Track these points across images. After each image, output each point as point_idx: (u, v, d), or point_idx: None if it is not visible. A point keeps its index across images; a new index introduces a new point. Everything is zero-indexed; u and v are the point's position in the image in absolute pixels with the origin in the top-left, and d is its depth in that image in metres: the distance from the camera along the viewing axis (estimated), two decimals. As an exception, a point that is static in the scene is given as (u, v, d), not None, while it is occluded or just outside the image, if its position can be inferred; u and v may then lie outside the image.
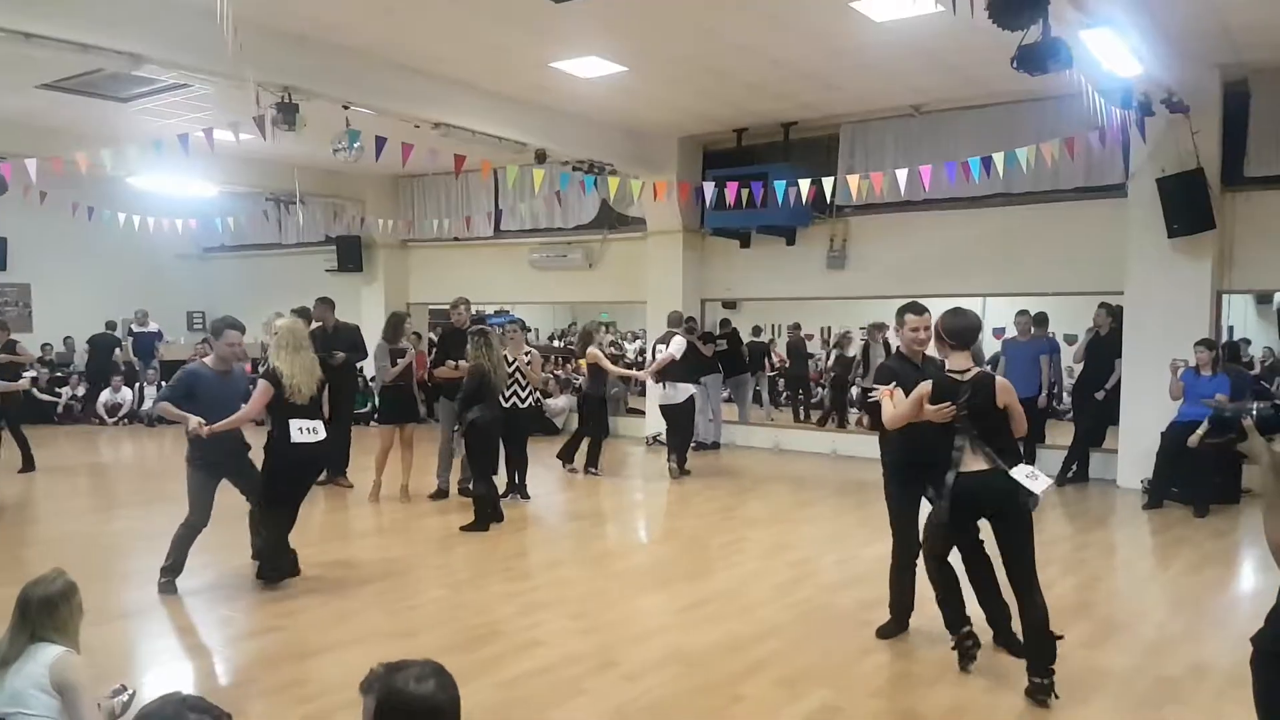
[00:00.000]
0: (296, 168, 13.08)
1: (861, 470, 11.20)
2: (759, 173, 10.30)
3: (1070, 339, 12.09)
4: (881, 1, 7.47)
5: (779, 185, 9.17)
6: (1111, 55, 7.02)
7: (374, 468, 9.08)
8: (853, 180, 8.98)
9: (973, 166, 8.34)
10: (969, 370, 4.40)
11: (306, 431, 5.88)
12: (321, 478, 9.45)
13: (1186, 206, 9.19)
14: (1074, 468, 10.28)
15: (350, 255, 16.22)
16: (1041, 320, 10.79)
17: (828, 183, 8.89)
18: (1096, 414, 10.24)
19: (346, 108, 9.02)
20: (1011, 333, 11.29)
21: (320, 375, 6.12)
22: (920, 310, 4.89)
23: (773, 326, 17.01)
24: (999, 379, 4.47)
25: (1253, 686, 2.68)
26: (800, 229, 12.21)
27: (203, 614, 5.63)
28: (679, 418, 10.58)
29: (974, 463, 4.32)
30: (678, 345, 10.37)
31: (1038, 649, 4.19)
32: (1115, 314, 10.06)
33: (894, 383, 4.69)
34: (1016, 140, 8.97)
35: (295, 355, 5.94)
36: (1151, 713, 4.09)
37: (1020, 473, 4.26)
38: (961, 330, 4.42)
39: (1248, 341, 14.06)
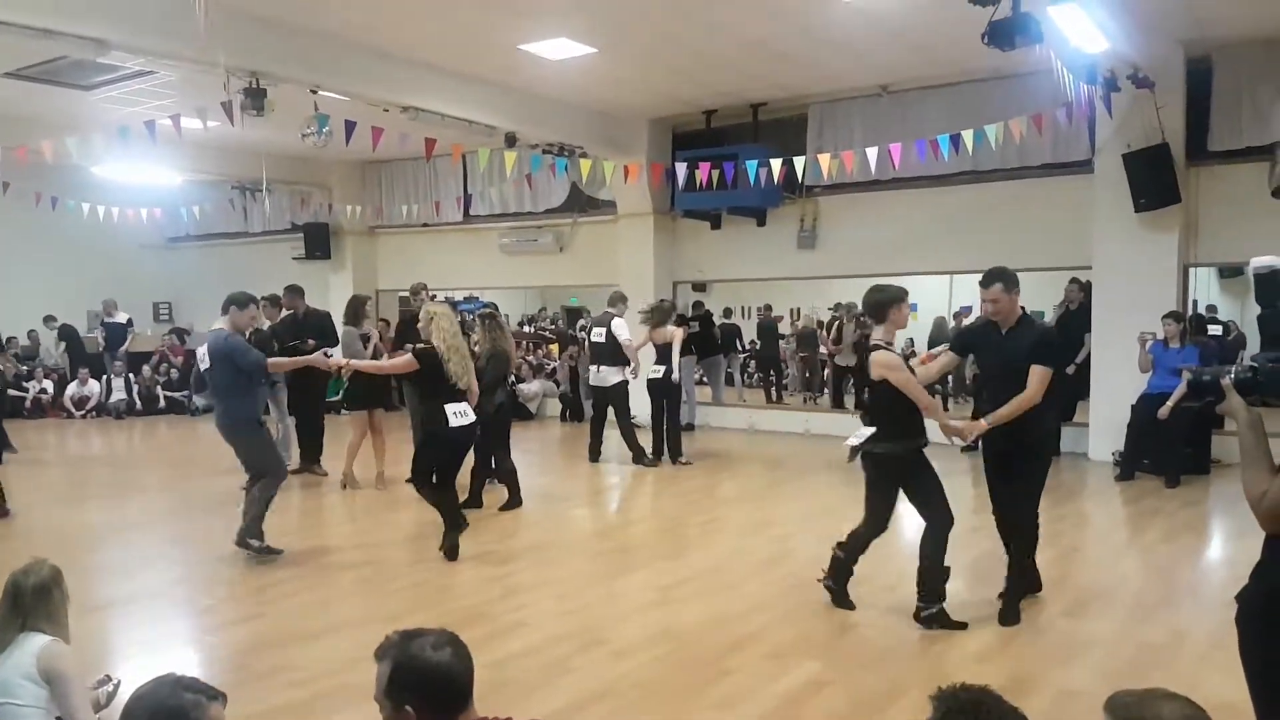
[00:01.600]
0: (264, 154, 12.91)
1: (834, 449, 11.30)
2: (729, 153, 10.32)
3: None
4: (852, -21, 7.49)
5: (750, 165, 9.18)
6: (1078, 31, 7.08)
7: (345, 456, 9.01)
8: (824, 159, 9.02)
9: (942, 144, 8.40)
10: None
11: (460, 415, 6.20)
12: (294, 465, 9.44)
13: (1152, 181, 9.32)
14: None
15: (318, 243, 16.03)
16: (1012, 295, 10.88)
17: (799, 162, 8.92)
18: (1067, 388, 10.37)
19: (315, 92, 8.91)
20: (978, 309, 11.37)
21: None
22: (988, 282, 5.04)
23: (743, 308, 17.06)
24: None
25: (1239, 643, 2.74)
26: (770, 209, 12.24)
27: (183, 604, 5.58)
28: (615, 401, 10.13)
29: None
30: (619, 326, 9.89)
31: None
32: (1085, 288, 10.20)
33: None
34: (984, 118, 9.04)
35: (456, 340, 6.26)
36: (1135, 678, 4.15)
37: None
38: (872, 305, 4.94)
39: (1213, 307, 14.31)
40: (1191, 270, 10.12)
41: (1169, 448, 8.70)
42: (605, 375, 10.01)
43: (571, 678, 4.22)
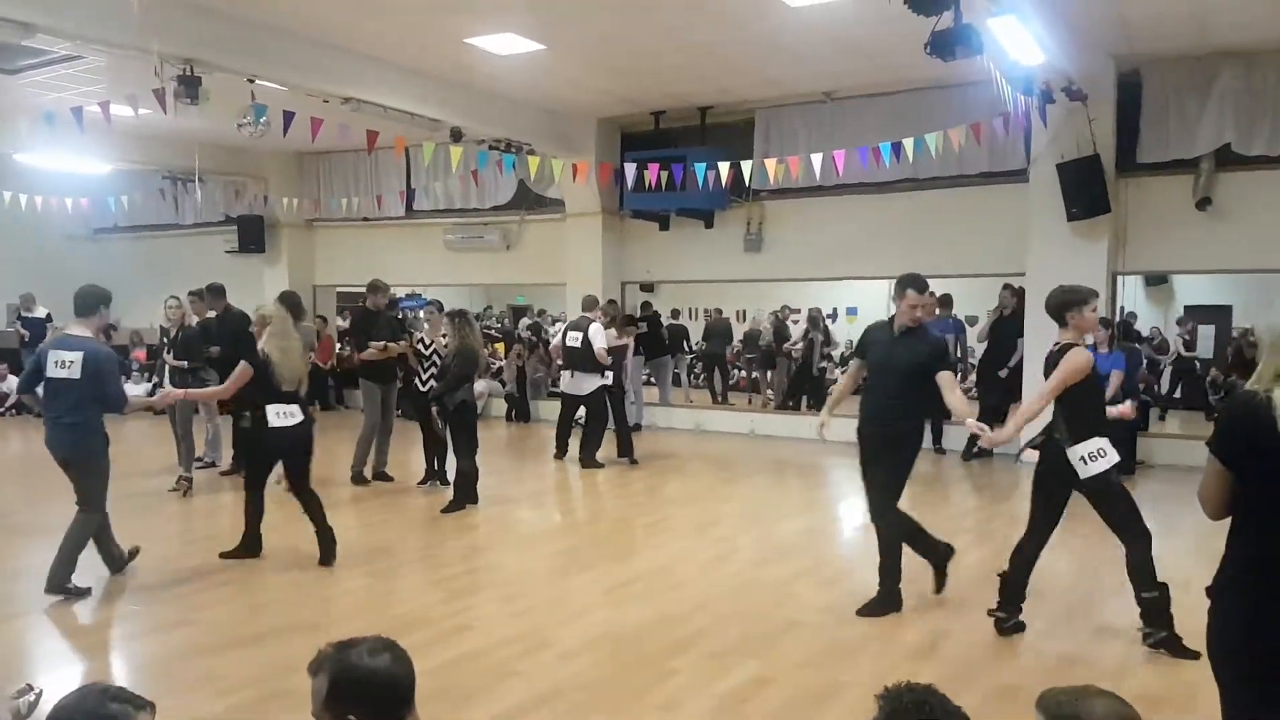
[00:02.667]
0: (197, 144, 12.59)
1: (779, 449, 11.47)
2: (678, 155, 10.37)
3: (971, 320, 12.53)
4: (798, -14, 7.57)
5: (699, 168, 9.23)
6: (1016, 43, 7.24)
7: None
8: (770, 164, 9.11)
9: (883, 152, 8.55)
10: None
11: (284, 415, 6.07)
12: (224, 468, 9.24)
13: (1084, 191, 9.60)
14: (978, 444, 10.66)
15: (252, 236, 15.64)
16: (947, 301, 11.18)
17: (746, 166, 8.99)
18: (1000, 391, 10.64)
19: (252, 81, 8.70)
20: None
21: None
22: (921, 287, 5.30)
23: (691, 310, 17.14)
24: None
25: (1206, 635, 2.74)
26: (718, 212, 12.34)
27: (107, 610, 5.41)
28: (592, 407, 10.07)
29: None
30: (596, 332, 9.74)
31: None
32: (1018, 294, 10.46)
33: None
34: (924, 126, 9.22)
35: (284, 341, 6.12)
36: (1066, 674, 4.28)
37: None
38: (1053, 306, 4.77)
39: (1133, 315, 14.77)
40: (1120, 278, 10.44)
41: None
42: (580, 383, 9.89)
43: (515, 681, 4.20)
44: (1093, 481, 4.50)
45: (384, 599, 5.56)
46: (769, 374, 15.10)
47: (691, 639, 4.76)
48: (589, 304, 10.26)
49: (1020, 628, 4.84)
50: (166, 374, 8.61)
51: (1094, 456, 4.47)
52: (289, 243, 15.90)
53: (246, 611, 5.29)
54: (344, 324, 10.81)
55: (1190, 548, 6.68)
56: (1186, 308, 16.54)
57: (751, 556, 6.50)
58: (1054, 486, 4.69)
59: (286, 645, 4.57)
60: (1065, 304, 4.64)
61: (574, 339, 9.84)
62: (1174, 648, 4.49)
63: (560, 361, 10.05)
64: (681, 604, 5.35)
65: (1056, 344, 4.68)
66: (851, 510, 8.80)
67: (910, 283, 5.22)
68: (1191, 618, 4.92)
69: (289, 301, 9.10)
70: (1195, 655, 4.46)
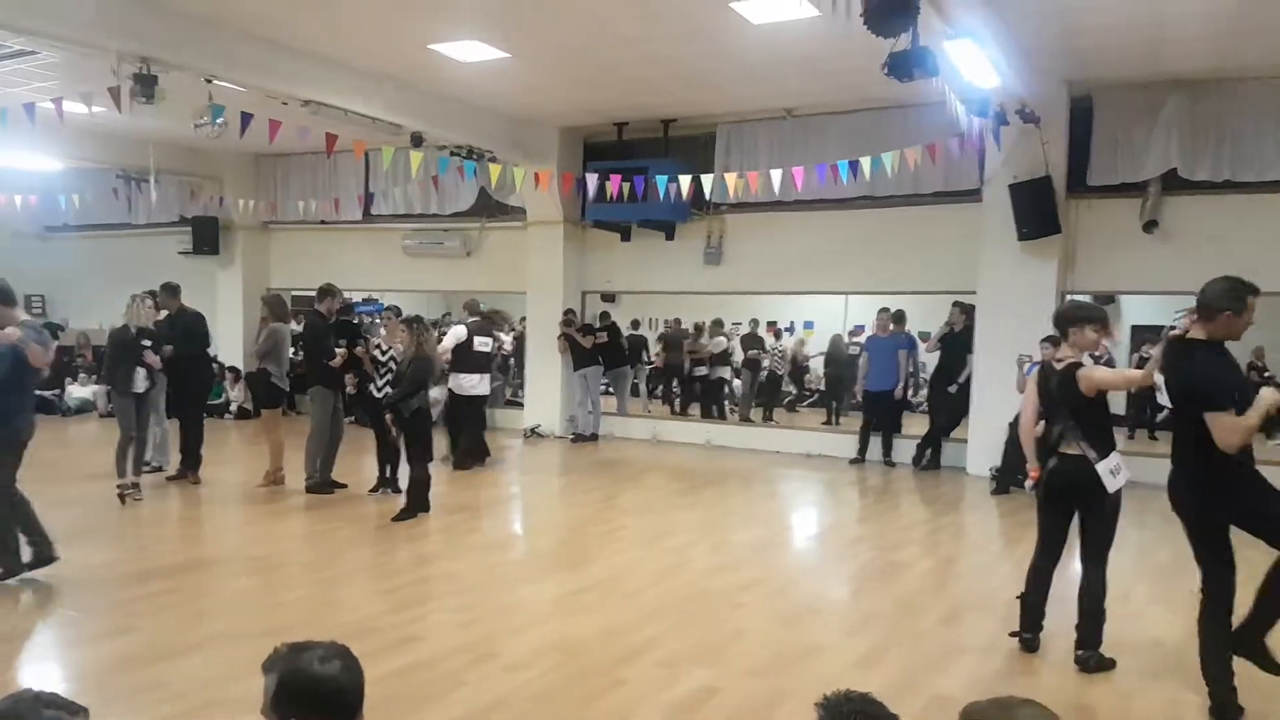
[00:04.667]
0: (151, 143, 12.40)
1: (734, 460, 11.54)
2: (640, 167, 10.43)
3: (924, 336, 12.70)
4: (760, 4, 7.66)
5: (660, 180, 9.28)
6: (972, 66, 7.40)
7: (270, 456, 8.88)
8: (730, 178, 9.20)
9: (841, 169, 8.66)
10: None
11: None
12: (172, 472, 9.09)
13: (1035, 212, 9.81)
14: (928, 455, 10.86)
15: (207, 237, 15.45)
16: (900, 317, 11.36)
17: (707, 180, 9.07)
18: (950, 406, 10.82)
19: (210, 81, 8.61)
20: (872, 329, 11.85)
21: None
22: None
23: (650, 320, 17.18)
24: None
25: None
26: (679, 224, 12.41)
27: (41, 616, 5.30)
28: (483, 408, 10.52)
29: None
30: (453, 335, 10.08)
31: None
32: (969, 312, 10.64)
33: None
34: (882, 145, 9.38)
35: None
36: (1005, 684, 4.36)
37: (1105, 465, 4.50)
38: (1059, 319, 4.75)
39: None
40: (1068, 297, 10.65)
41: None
42: (485, 384, 10.33)
43: (463, 691, 4.18)
44: (1116, 496, 4.51)
45: (331, 607, 5.50)
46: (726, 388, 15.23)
47: (641, 648, 4.78)
48: (472, 308, 10.71)
49: (1035, 646, 4.84)
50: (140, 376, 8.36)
51: (1117, 471, 4.51)
52: (244, 245, 15.70)
53: (190, 618, 5.21)
54: (297, 328, 10.66)
55: (1130, 563, 6.85)
56: (1133, 327, 16.91)
57: (704, 566, 6.53)
58: (1069, 502, 4.68)
59: (230, 653, 4.51)
60: (1066, 319, 4.68)
61: (483, 344, 10.18)
62: (1103, 664, 4.58)
63: (447, 363, 10.14)
64: (632, 614, 5.36)
65: (1059, 360, 4.68)
66: (805, 522, 8.91)
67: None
68: (1130, 627, 5.07)
69: (279, 301, 9.16)
70: (1113, 664, 4.59)
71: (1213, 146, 9.66)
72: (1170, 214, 9.91)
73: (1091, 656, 4.55)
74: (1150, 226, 9.90)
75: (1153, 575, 6.42)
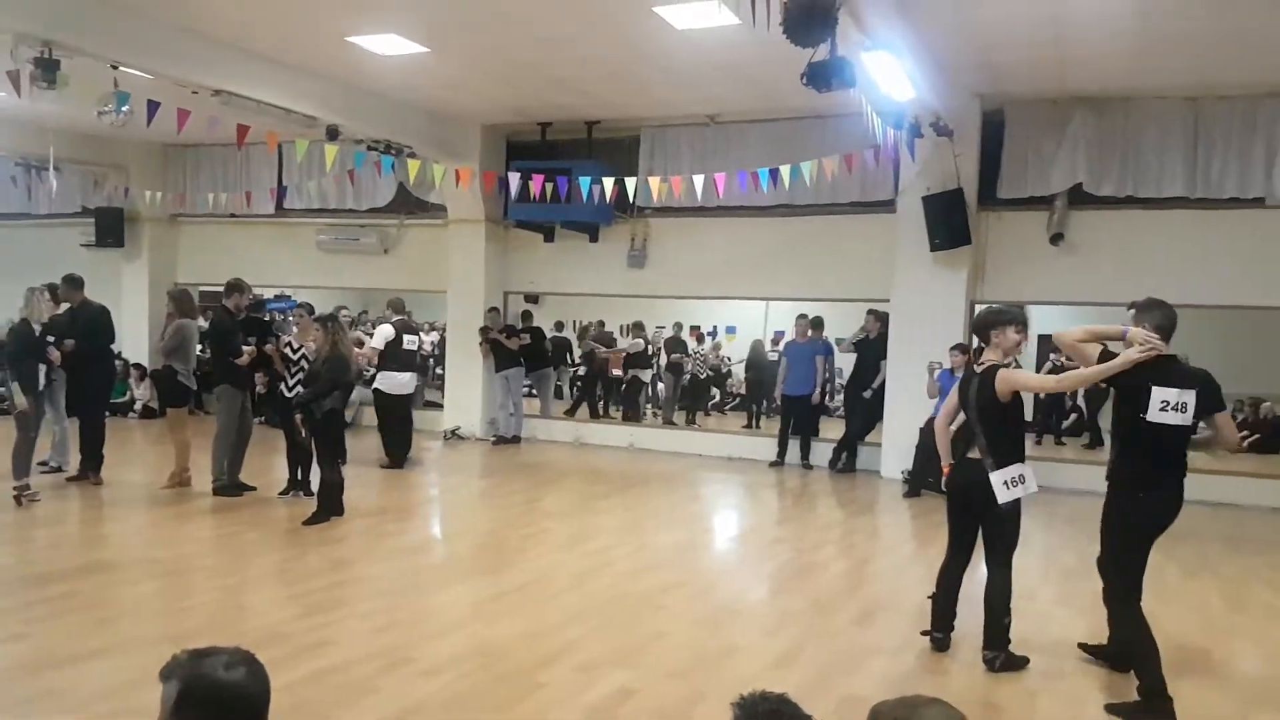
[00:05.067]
0: (52, 130, 11.87)
1: (657, 463, 11.59)
2: (563, 168, 10.39)
3: (840, 342, 12.97)
4: (682, 9, 7.70)
5: (584, 182, 9.26)
6: (888, 78, 7.58)
7: (176, 456, 8.61)
8: (654, 182, 9.24)
9: (761, 177, 8.77)
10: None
11: None
12: (72, 473, 8.73)
13: (947, 223, 10.09)
14: (844, 459, 11.08)
15: (111, 229, 14.85)
16: (818, 323, 11.58)
17: (630, 183, 9.09)
18: (864, 411, 11.06)
19: (116, 68, 8.28)
20: (791, 335, 12.04)
21: None
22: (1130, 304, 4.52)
23: (574, 322, 17.14)
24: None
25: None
26: (603, 226, 12.41)
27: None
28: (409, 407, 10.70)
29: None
30: (380, 334, 10.37)
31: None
32: (882, 319, 10.89)
33: None
34: (800, 154, 9.53)
35: None
36: (915, 683, 4.47)
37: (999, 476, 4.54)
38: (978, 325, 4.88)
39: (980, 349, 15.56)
40: (977, 306, 10.98)
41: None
42: (413, 382, 10.56)
43: (375, 698, 4.10)
44: (1008, 507, 4.56)
45: (238, 613, 5.34)
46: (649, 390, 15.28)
47: (561, 652, 4.75)
48: (397, 306, 10.85)
49: (945, 645, 4.93)
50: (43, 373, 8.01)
51: (1014, 483, 4.54)
52: (151, 238, 15.15)
53: (91, 624, 4.99)
54: (205, 325, 10.34)
55: (1038, 563, 7.10)
56: (1040, 336, 17.52)
57: (625, 569, 6.53)
58: (967, 506, 4.76)
59: (132, 660, 4.33)
60: (987, 323, 4.74)
61: (411, 342, 10.38)
62: (1012, 664, 4.70)
63: (373, 365, 10.53)
64: (552, 617, 5.33)
65: (980, 364, 4.74)
66: (726, 524, 8.99)
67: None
68: (1036, 627, 5.24)
69: (186, 296, 8.85)
70: (1026, 662, 4.73)
71: (1117, 162, 10.07)
72: (1076, 227, 10.31)
73: (997, 656, 4.66)
74: (1057, 239, 10.27)
75: (1059, 577, 6.65)
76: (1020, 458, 4.63)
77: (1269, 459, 13.41)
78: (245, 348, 8.31)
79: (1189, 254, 9.85)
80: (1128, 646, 4.45)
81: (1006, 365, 4.70)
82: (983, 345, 4.83)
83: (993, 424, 4.61)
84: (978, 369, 4.74)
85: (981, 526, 4.72)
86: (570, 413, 14.42)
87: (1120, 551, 4.43)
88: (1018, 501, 4.57)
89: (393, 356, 10.19)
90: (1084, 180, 10.16)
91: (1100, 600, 4.69)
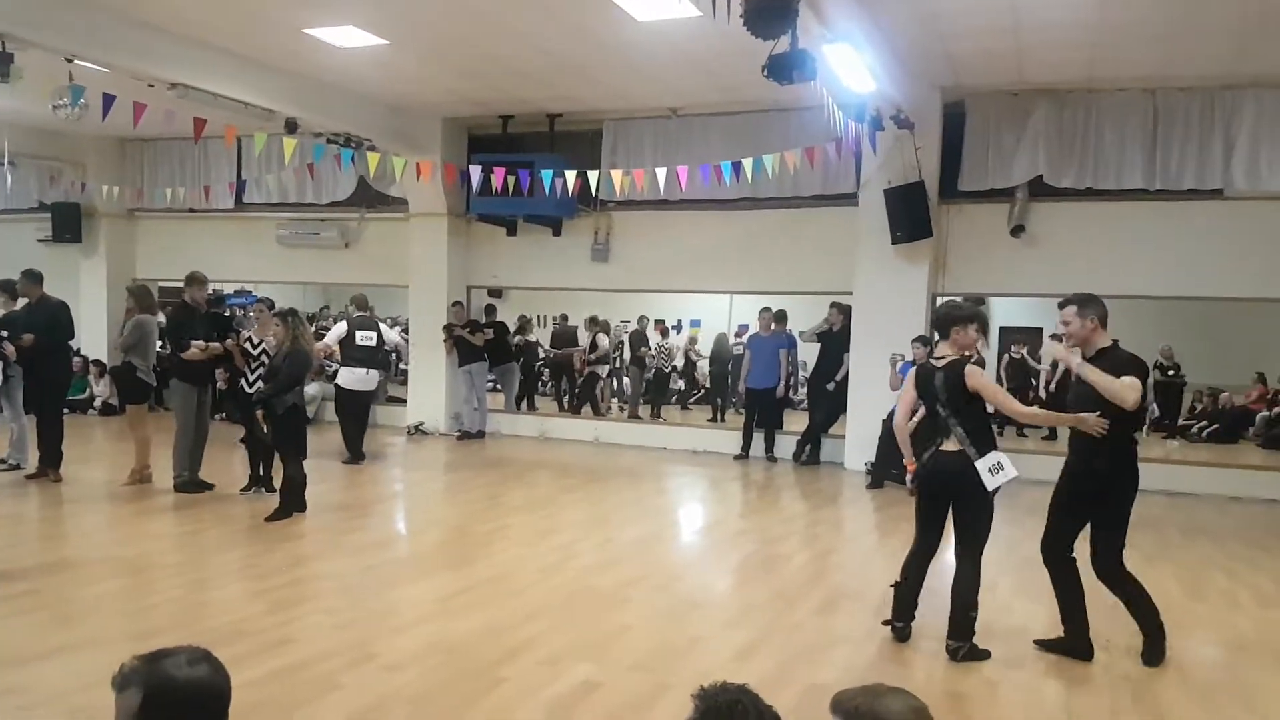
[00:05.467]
0: (6, 125, 11.64)
1: (622, 457, 11.60)
2: (525, 161, 10.34)
3: (802, 335, 13.05)
4: (643, 1, 7.69)
5: (546, 175, 9.23)
6: (849, 71, 7.63)
7: (136, 453, 8.51)
8: (616, 175, 9.23)
9: (724, 170, 8.79)
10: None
11: None
12: (31, 470, 8.59)
13: (908, 216, 10.18)
14: (808, 451, 11.17)
15: (68, 225, 14.62)
16: (781, 317, 11.63)
17: (593, 176, 9.07)
18: (828, 403, 11.14)
19: (70, 61, 8.13)
20: (755, 328, 12.10)
21: None
22: (1062, 304, 4.78)
23: (539, 317, 17.10)
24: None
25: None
26: (566, 220, 12.38)
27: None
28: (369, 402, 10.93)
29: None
30: (334, 332, 10.65)
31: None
32: (845, 312, 10.98)
33: None
34: (763, 148, 9.58)
35: None
36: (877, 672, 4.52)
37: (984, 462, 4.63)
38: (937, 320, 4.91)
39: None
40: (939, 299, 11.09)
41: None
42: (373, 379, 10.64)
43: (338, 694, 4.08)
44: (995, 494, 4.65)
45: (200, 610, 5.28)
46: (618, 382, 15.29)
47: (523, 646, 4.75)
48: (366, 302, 10.89)
49: (906, 635, 4.98)
50: None
51: (997, 469, 4.63)
52: (108, 233, 14.93)
53: (50, 623, 4.92)
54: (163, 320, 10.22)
55: (1000, 555, 7.18)
56: (1002, 328, 17.75)
57: (589, 563, 6.55)
58: (945, 497, 4.81)
59: (94, 659, 4.26)
60: (950, 319, 4.82)
61: (367, 338, 10.40)
62: (974, 655, 4.78)
63: (335, 360, 10.83)
64: (516, 612, 5.33)
65: (940, 358, 4.80)
66: (690, 517, 9.03)
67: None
68: (997, 618, 5.32)
69: (145, 291, 8.71)
70: (987, 655, 4.81)
71: (1077, 154, 10.18)
72: (1036, 219, 10.43)
73: (961, 647, 4.73)
74: (1017, 231, 10.39)
75: (1018, 567, 6.73)
76: (995, 445, 4.73)
77: (1227, 449, 13.73)
78: (195, 343, 8.17)
79: (1148, 245, 10.00)
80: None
81: (969, 359, 4.78)
82: (940, 339, 4.89)
83: (967, 415, 4.70)
84: (937, 364, 4.80)
85: (957, 517, 4.80)
86: (519, 403, 14.36)
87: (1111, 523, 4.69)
88: (995, 490, 4.67)
89: (347, 352, 10.38)
90: (1044, 172, 10.28)
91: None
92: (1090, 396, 4.53)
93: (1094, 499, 4.67)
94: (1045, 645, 4.95)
